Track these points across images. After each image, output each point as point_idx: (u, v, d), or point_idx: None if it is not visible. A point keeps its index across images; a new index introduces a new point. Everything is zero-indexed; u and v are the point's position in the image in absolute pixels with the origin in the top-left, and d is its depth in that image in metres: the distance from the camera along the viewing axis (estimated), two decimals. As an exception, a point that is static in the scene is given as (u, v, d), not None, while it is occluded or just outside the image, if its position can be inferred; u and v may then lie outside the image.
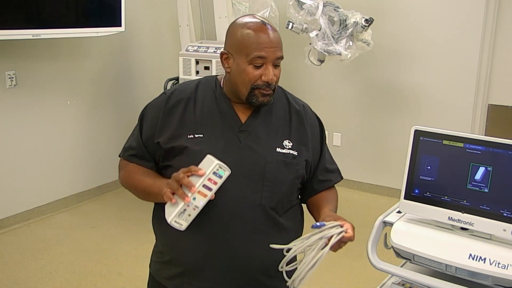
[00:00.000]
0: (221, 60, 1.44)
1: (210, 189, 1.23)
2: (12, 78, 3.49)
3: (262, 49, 1.34)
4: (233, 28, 1.42)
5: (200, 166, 1.25)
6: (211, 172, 1.22)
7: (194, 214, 1.24)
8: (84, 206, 4.06)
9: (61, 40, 3.67)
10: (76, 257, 3.22)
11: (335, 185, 1.58)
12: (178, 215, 1.23)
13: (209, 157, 1.26)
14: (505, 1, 3.81)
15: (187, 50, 3.75)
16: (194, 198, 1.23)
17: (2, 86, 3.44)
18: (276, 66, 1.38)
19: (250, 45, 1.35)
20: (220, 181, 1.24)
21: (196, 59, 3.70)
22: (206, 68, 3.68)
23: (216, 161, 1.23)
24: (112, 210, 3.94)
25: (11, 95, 3.51)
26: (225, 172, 1.24)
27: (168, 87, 3.88)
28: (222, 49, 1.44)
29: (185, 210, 1.23)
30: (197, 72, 3.72)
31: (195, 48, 3.73)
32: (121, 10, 3.68)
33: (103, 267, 3.11)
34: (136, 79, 4.45)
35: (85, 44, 3.95)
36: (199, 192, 1.23)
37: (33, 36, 3.23)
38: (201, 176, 1.22)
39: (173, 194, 1.25)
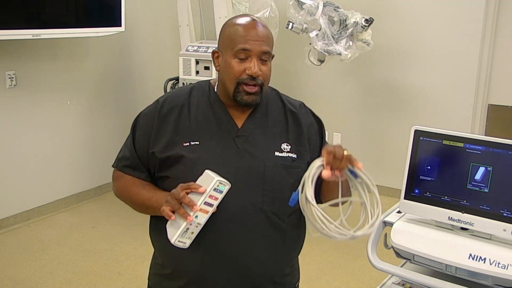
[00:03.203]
0: (213, 60, 1.43)
1: (211, 205, 1.22)
2: (12, 78, 3.49)
3: (246, 41, 1.33)
4: (224, 26, 1.43)
5: (199, 182, 1.23)
6: (212, 189, 1.20)
7: (197, 231, 1.23)
8: (84, 206, 4.06)
9: (61, 40, 3.67)
10: (76, 257, 3.22)
11: None
12: (182, 235, 1.21)
13: (207, 172, 1.23)
14: (505, 1, 3.81)
15: (187, 50, 3.75)
16: (196, 216, 1.20)
17: (2, 86, 3.44)
18: (263, 61, 1.35)
19: (235, 39, 1.35)
20: (221, 196, 1.22)
21: (196, 59, 3.70)
22: (206, 68, 3.69)
23: (216, 178, 1.20)
24: (112, 210, 3.94)
25: (11, 95, 3.51)
26: (226, 186, 1.22)
27: (168, 87, 3.88)
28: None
29: (187, 229, 1.21)
30: (197, 72, 3.72)
31: (195, 48, 3.73)
32: (121, 10, 3.68)
33: (103, 267, 3.11)
34: (136, 79, 4.45)
35: (85, 44, 3.95)
36: (200, 209, 1.20)
37: (33, 36, 3.23)
38: (201, 193, 1.20)
39: (172, 211, 1.23)
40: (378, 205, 1.23)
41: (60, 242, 3.42)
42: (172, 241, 1.22)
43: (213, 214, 1.25)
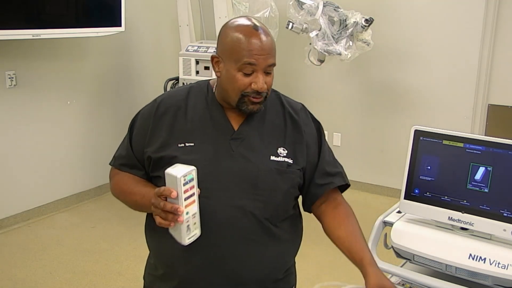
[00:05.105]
0: (212, 64, 1.38)
1: (192, 194, 1.20)
2: (12, 78, 3.49)
3: (252, 56, 1.27)
4: (224, 31, 1.35)
5: (168, 184, 1.20)
6: (182, 185, 1.18)
7: (197, 218, 1.23)
8: (84, 206, 4.06)
9: (61, 40, 3.67)
10: (76, 257, 3.22)
11: (344, 199, 1.47)
12: (187, 232, 1.21)
13: (168, 173, 1.19)
14: (505, 1, 3.81)
15: (187, 50, 3.75)
16: (187, 213, 1.20)
17: (2, 86, 3.44)
18: (267, 73, 1.32)
19: (240, 51, 1.28)
20: (195, 182, 1.21)
21: (196, 59, 3.70)
22: (206, 68, 3.68)
23: (178, 175, 1.17)
24: (112, 210, 3.94)
25: (11, 95, 3.51)
26: (192, 172, 1.20)
27: (168, 87, 3.88)
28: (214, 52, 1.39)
29: (188, 225, 1.21)
30: (197, 72, 3.72)
31: (195, 48, 3.73)
32: (121, 10, 3.68)
33: (103, 267, 3.11)
34: (136, 79, 4.45)
35: (85, 44, 3.95)
36: (186, 206, 1.19)
37: (33, 36, 3.23)
38: (176, 195, 1.19)
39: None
40: None
41: (60, 242, 3.42)
42: (184, 243, 1.22)
43: (203, 217, 1.25)
